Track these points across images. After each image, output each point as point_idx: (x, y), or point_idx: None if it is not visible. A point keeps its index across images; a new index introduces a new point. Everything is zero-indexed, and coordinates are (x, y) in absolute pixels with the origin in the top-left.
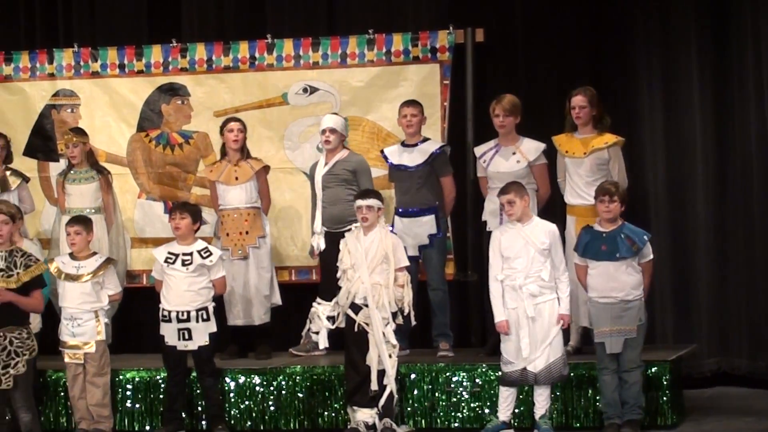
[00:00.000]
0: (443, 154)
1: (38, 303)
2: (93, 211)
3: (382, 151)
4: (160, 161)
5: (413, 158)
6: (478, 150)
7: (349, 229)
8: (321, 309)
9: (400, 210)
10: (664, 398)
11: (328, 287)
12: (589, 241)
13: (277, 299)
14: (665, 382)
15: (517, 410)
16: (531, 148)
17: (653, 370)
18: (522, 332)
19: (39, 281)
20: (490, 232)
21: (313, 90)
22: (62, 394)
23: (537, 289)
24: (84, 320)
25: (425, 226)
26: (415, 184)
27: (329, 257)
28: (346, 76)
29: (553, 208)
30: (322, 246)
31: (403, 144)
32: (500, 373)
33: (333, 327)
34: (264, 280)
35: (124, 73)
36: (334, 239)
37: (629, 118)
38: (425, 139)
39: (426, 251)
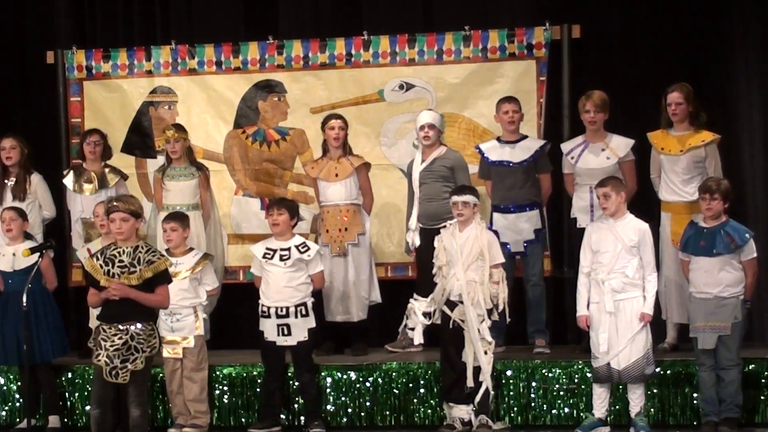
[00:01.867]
0: (545, 151)
1: (162, 299)
2: (190, 207)
3: (477, 147)
4: (256, 158)
5: (517, 154)
6: (565, 147)
7: (444, 226)
8: (417, 305)
9: (503, 206)
10: (762, 396)
11: (424, 283)
12: (691, 236)
13: (377, 296)
14: (763, 380)
15: (613, 407)
16: (621, 144)
17: (751, 367)
18: (601, 327)
19: (163, 277)
20: (580, 229)
21: (409, 87)
22: (159, 389)
23: (620, 285)
24: (183, 315)
25: (531, 221)
26: (521, 180)
27: (425, 253)
28: (442, 73)
29: (642, 205)
30: (417, 242)
31: (501, 140)
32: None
33: (429, 323)
34: (362, 277)
35: (221, 70)
36: (429, 235)
37: (726, 117)
38: (524, 136)
39: (529, 247)
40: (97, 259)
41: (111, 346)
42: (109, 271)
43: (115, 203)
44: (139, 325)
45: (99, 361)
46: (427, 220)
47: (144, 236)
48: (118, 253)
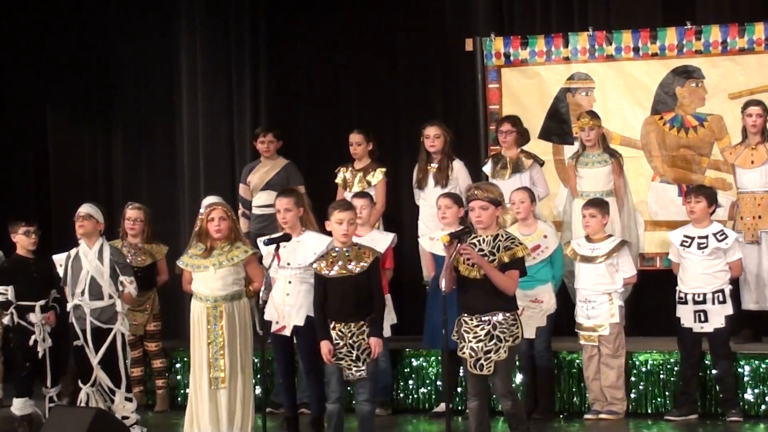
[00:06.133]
0: None
1: (509, 282)
2: (604, 194)
3: None
4: (674, 144)
5: None
6: None
7: None
8: None
9: None
10: None
11: None
12: None
13: None
14: None
15: None
16: None
17: None
18: None
19: (517, 264)
20: None
21: None
22: (575, 375)
23: None
24: (598, 303)
25: None
26: None
27: None
28: None
29: None
30: None
31: None
32: None
33: None
34: None
35: (638, 56)
36: None
37: None
38: None
39: None
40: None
41: (474, 337)
42: (467, 259)
43: (474, 191)
44: (500, 315)
45: (463, 353)
46: None
47: (560, 222)
48: (479, 241)
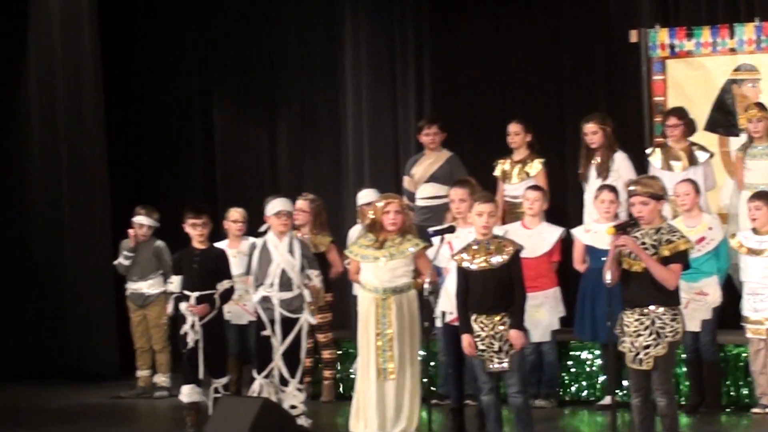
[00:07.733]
0: None
1: (670, 275)
2: None
3: None
4: None
5: None
6: None
7: None
8: None
9: None
10: None
11: None
12: None
13: None
14: None
15: None
16: None
17: None
18: None
19: (679, 257)
20: None
21: None
22: (741, 368)
23: None
24: (766, 295)
25: None
26: None
27: None
28: None
29: None
30: None
31: None
32: None
33: None
34: None
35: None
36: None
37: None
38: None
39: None
40: None
41: (634, 331)
42: (629, 253)
43: (634, 187)
44: (661, 309)
45: (623, 347)
46: None
47: (725, 214)
48: (641, 234)
